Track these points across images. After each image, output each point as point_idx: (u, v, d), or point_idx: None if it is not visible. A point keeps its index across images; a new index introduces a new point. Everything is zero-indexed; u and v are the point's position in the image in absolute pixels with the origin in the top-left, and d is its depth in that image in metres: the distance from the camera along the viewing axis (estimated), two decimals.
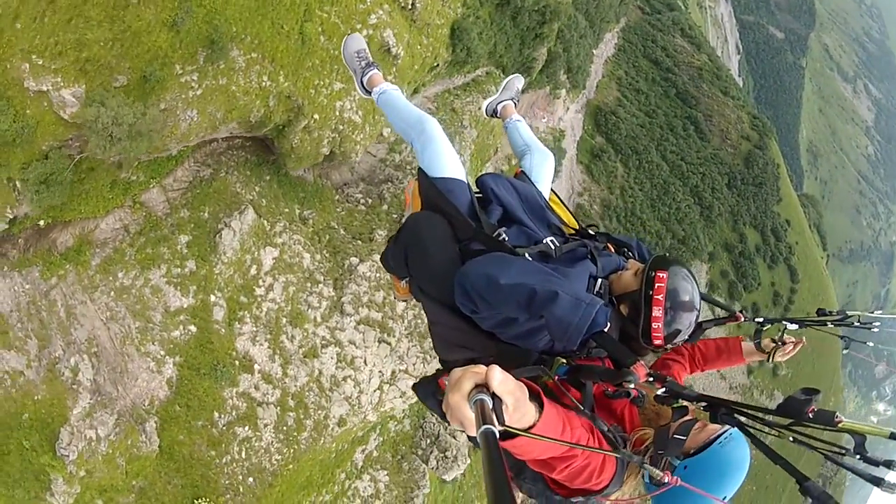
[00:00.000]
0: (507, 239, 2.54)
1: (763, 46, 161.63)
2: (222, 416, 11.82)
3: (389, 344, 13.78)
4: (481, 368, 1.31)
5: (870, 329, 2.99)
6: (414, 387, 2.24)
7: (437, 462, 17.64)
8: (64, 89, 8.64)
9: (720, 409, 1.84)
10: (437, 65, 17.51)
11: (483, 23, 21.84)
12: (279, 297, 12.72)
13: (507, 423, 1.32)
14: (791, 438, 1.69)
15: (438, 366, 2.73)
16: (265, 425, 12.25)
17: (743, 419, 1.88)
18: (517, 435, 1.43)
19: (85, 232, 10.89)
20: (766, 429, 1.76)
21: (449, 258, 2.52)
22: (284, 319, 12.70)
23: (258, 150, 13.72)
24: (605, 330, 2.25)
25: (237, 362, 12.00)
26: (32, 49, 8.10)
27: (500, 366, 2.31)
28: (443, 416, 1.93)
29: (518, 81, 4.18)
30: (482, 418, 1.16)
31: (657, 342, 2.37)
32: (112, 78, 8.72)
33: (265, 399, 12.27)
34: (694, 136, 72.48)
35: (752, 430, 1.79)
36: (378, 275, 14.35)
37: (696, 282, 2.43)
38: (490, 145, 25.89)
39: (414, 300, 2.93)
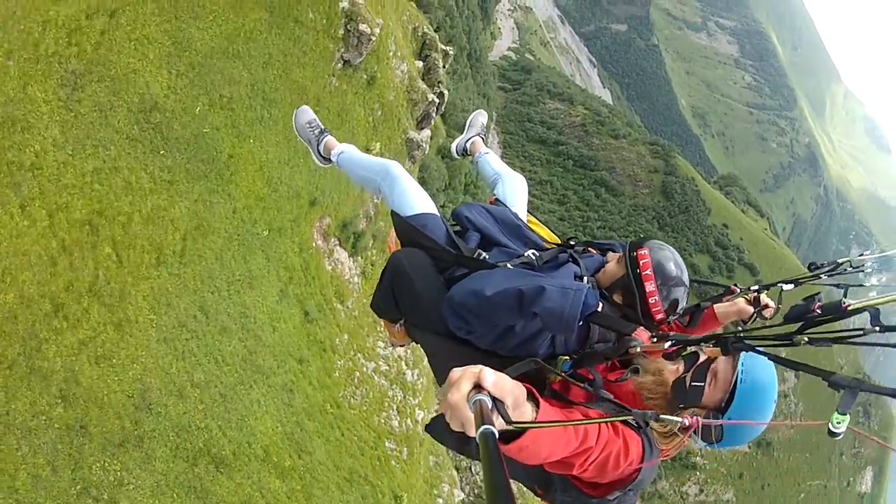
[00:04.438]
0: (487, 259, 2.58)
1: (613, 47, 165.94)
2: None
3: None
4: (477, 369, 1.30)
5: (863, 271, 2.97)
6: (427, 428, 2.08)
7: None
8: None
9: (729, 340, 1.89)
10: None
11: None
12: None
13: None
14: (806, 340, 1.70)
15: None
16: None
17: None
18: (519, 436, 1.39)
19: None
20: (779, 342, 1.79)
21: (435, 287, 2.54)
22: None
23: None
24: (599, 310, 2.26)
25: None
26: None
27: None
28: (460, 451, 2.05)
29: (482, 117, 4.24)
30: (481, 419, 1.14)
31: (659, 316, 2.42)
32: None
33: None
34: (609, 199, 74.49)
35: (764, 350, 1.82)
36: None
37: (675, 252, 2.54)
38: None
39: (410, 343, 2.94)
